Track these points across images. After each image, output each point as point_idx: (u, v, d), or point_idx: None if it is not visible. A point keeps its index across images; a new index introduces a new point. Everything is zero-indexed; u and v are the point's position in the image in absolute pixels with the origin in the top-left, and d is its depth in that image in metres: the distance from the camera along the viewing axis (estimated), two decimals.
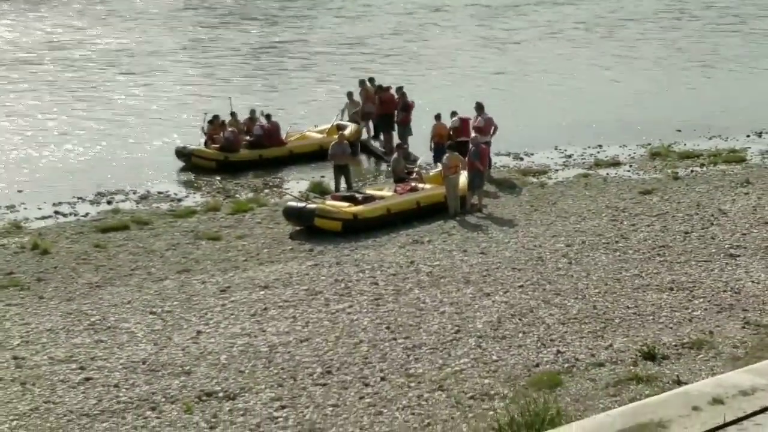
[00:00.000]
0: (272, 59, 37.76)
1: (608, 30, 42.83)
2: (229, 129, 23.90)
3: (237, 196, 21.69)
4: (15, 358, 13.19)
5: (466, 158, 20.41)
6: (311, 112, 28.22)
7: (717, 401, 8.84)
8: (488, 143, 21.96)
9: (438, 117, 22.96)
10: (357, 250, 17.73)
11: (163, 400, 11.97)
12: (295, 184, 22.72)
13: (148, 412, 11.68)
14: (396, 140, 24.87)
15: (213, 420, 11.48)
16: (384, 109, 25.35)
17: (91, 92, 31.96)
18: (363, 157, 25.27)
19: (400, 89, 25.61)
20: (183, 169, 23.82)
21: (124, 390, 12.23)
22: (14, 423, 11.42)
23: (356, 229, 18.66)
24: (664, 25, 43.99)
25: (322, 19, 45.93)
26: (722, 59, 36.73)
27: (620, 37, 41.25)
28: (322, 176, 22.93)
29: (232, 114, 24.45)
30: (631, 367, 12.29)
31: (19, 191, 21.95)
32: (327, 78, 33.73)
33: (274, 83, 33.65)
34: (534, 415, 9.43)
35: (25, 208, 20.66)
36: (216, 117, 24.53)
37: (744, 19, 44.95)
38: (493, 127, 22.53)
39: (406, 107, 24.86)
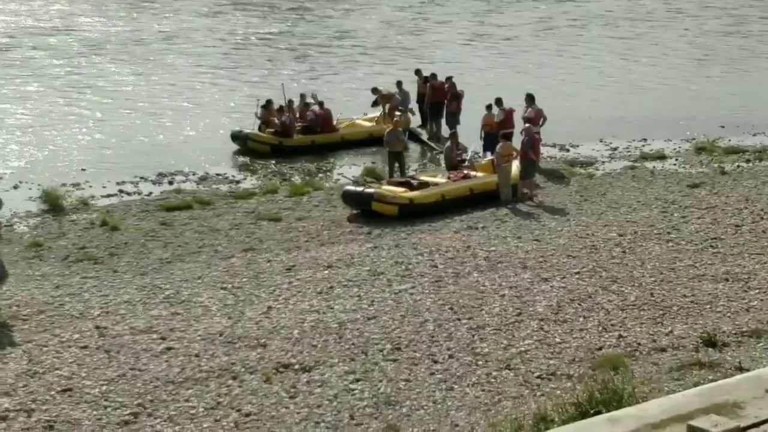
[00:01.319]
0: (292, 47, 38.24)
1: (628, 26, 43.25)
2: (287, 114, 24.42)
3: (292, 179, 22.23)
4: (97, 327, 13.74)
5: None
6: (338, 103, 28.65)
7: None
8: (537, 134, 22.37)
9: (489, 107, 23.41)
10: (413, 234, 18.20)
11: (243, 370, 12.49)
12: (348, 169, 23.24)
13: (230, 381, 12.20)
14: (444, 129, 25.34)
15: (292, 390, 11.98)
16: (435, 97, 25.77)
17: (135, 76, 32.51)
18: (411, 145, 25.70)
19: (449, 78, 26.04)
20: (238, 152, 24.40)
21: (204, 360, 12.76)
22: (104, 388, 11.96)
23: (412, 213, 19.15)
24: (688, 22, 44.41)
25: (326, 11, 46.10)
26: (752, 56, 37.19)
27: (643, 33, 41.62)
28: (373, 162, 23.49)
29: (290, 102, 24.96)
30: (693, 353, 12.71)
31: (83, 170, 22.58)
32: (346, 70, 34.15)
33: (301, 71, 34.11)
34: (612, 392, 9.86)
35: (90, 186, 21.27)
36: (269, 102, 25.05)
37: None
38: (542, 119, 22.98)
39: (457, 96, 25.29)
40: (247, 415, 11.38)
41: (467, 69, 32.11)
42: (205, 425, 11.14)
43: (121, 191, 20.97)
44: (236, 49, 37.53)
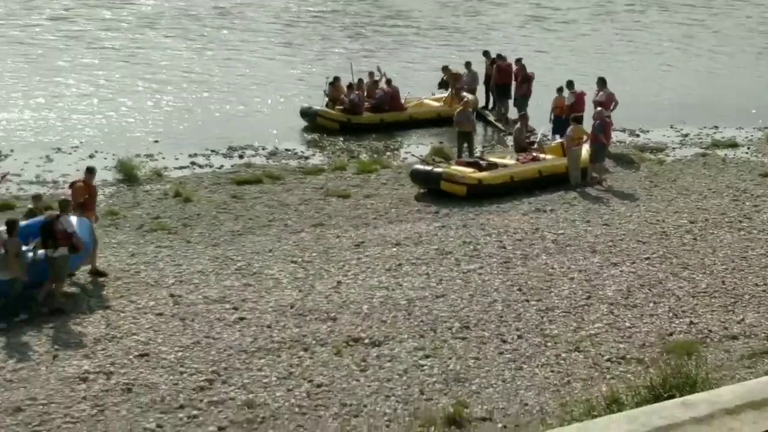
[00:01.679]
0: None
1: (687, 12, 42.60)
2: (355, 92, 24.54)
3: (360, 157, 22.36)
4: (172, 295, 14.01)
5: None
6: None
7: None
8: (608, 117, 22.19)
9: (560, 90, 23.30)
10: (481, 215, 18.23)
11: (314, 342, 12.66)
12: (415, 148, 23.31)
13: (301, 352, 12.38)
14: (512, 111, 25.28)
15: (363, 363, 12.12)
16: (501, 78, 25.70)
17: (190, 51, 32.80)
18: (478, 126, 25.66)
19: (519, 60, 25.92)
20: (306, 129, 24.59)
21: (276, 331, 12.96)
22: (179, 354, 12.22)
23: (480, 194, 19.15)
24: (749, 10, 43.60)
25: None
26: None
27: (703, 20, 40.96)
28: (441, 142, 23.52)
29: (359, 80, 25.08)
30: (765, 342, 12.61)
31: (155, 141, 22.95)
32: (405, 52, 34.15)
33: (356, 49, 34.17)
34: (685, 377, 9.84)
35: (163, 158, 21.61)
36: (337, 79, 25.17)
37: None
38: (613, 103, 22.80)
39: (527, 79, 25.18)
40: (319, 386, 11.54)
41: (525, 52, 31.87)
42: (278, 394, 11.33)
43: (192, 164, 21.28)
44: (289, 26, 37.69)
